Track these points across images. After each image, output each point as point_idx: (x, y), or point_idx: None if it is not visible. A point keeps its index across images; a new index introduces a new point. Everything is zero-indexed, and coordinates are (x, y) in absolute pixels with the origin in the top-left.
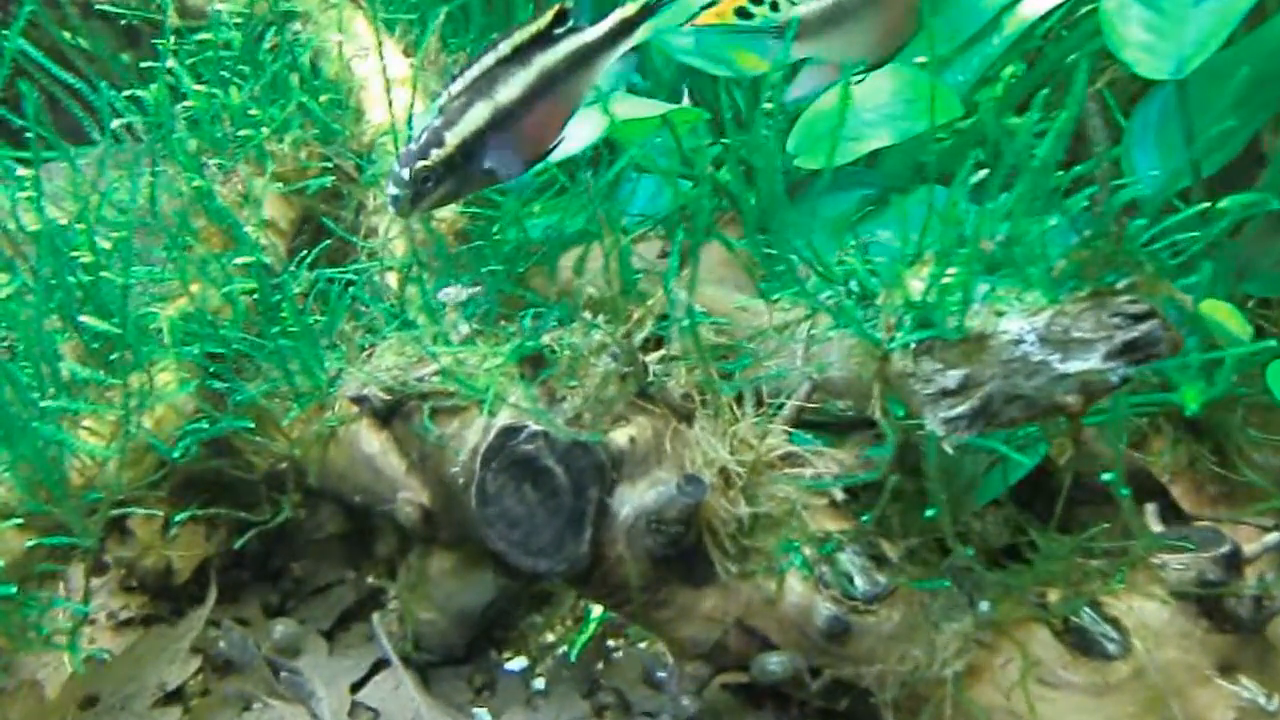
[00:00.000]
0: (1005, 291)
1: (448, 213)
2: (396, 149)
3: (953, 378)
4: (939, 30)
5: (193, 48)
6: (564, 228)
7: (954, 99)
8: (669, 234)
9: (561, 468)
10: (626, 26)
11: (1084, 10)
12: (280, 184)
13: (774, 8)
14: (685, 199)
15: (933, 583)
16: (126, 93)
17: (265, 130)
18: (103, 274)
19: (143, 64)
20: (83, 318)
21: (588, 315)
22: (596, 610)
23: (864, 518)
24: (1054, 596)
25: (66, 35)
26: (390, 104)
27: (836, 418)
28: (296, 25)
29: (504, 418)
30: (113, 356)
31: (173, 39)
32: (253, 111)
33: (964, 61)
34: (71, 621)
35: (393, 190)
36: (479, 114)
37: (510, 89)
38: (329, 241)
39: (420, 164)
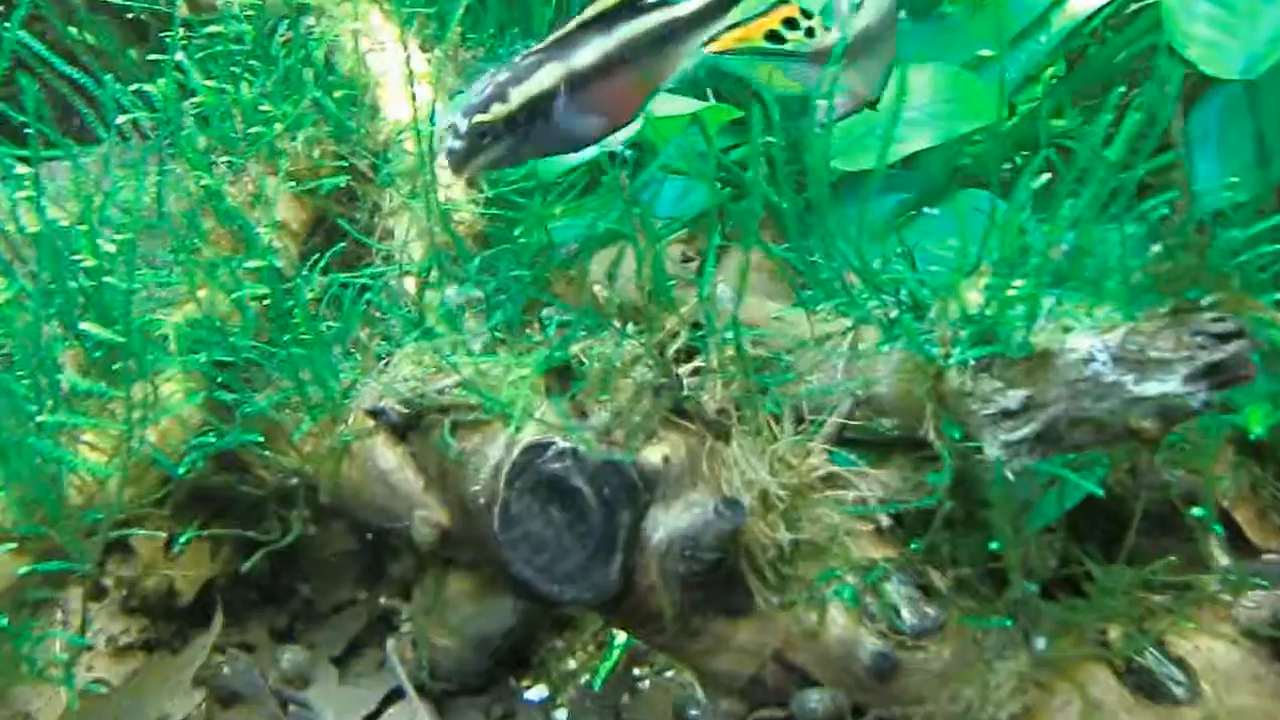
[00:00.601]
0: (1073, 306)
1: (466, 214)
2: (418, 145)
3: (1014, 398)
4: (982, 27)
5: (203, 41)
6: (591, 229)
7: (996, 96)
8: (701, 236)
9: (591, 488)
10: (720, 5)
11: (1134, 7)
12: (293, 183)
13: (809, 34)
14: (718, 200)
15: (991, 621)
16: (133, 87)
17: (278, 127)
18: (106, 279)
19: (151, 60)
20: (84, 325)
21: (618, 324)
22: (621, 636)
23: (913, 545)
24: (1115, 634)
25: (72, 30)
26: (415, 98)
27: (880, 435)
28: (310, 19)
29: (529, 434)
30: (116, 366)
31: (182, 32)
32: (265, 107)
33: (1009, 60)
34: (68, 653)
35: (450, 143)
36: (549, 74)
37: (587, 54)
38: (343, 244)
39: (479, 118)
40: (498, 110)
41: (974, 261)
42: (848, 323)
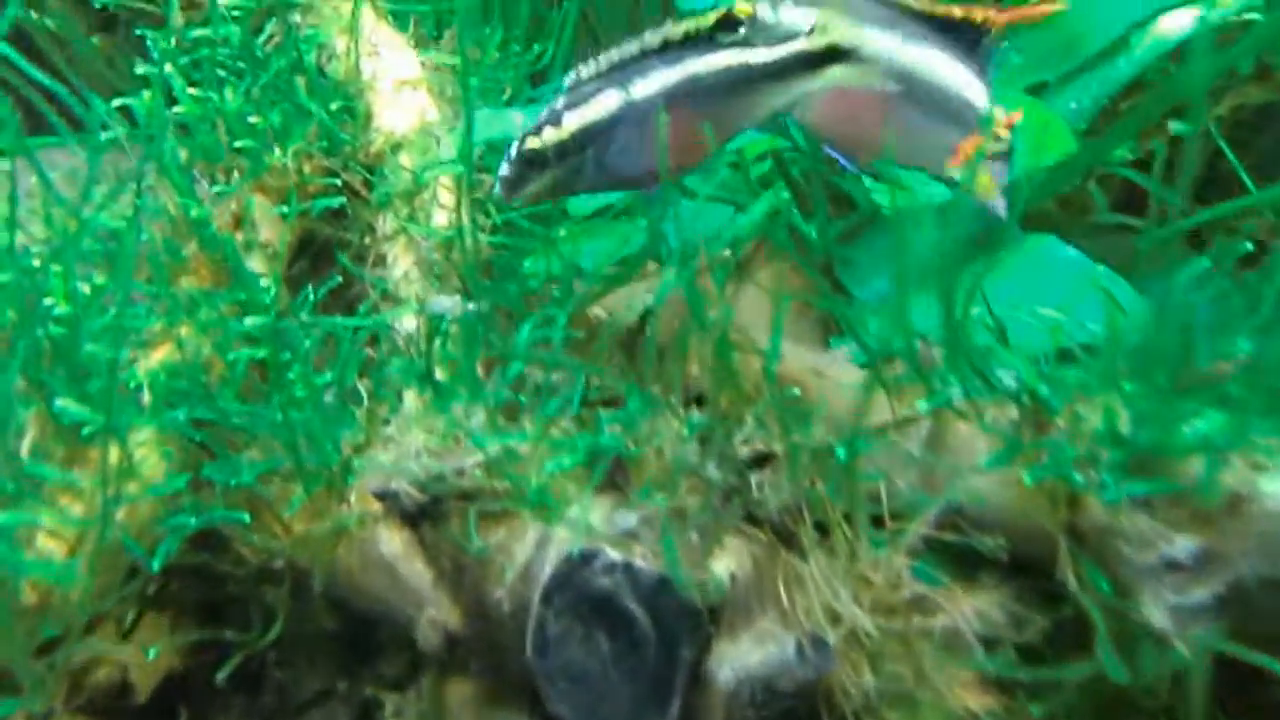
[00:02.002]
0: (1264, 440)
1: (469, 241)
2: (415, 159)
3: (1184, 548)
4: (1046, 45)
5: (186, 44)
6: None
7: (1066, 130)
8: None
9: (646, 613)
10: (805, 62)
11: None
12: (281, 205)
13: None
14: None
15: None
16: (116, 103)
17: (269, 145)
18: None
19: (119, 48)
20: (60, 402)
21: (671, 400)
22: None
23: (1033, 709)
24: None
25: (32, 15)
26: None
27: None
28: (296, 16)
29: (570, 538)
30: (85, 431)
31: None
32: (253, 119)
33: (1080, 86)
34: None
35: (504, 169)
36: (608, 101)
37: (649, 85)
38: (336, 275)
39: (531, 142)
40: (550, 136)
41: (1107, 361)
42: (920, 402)
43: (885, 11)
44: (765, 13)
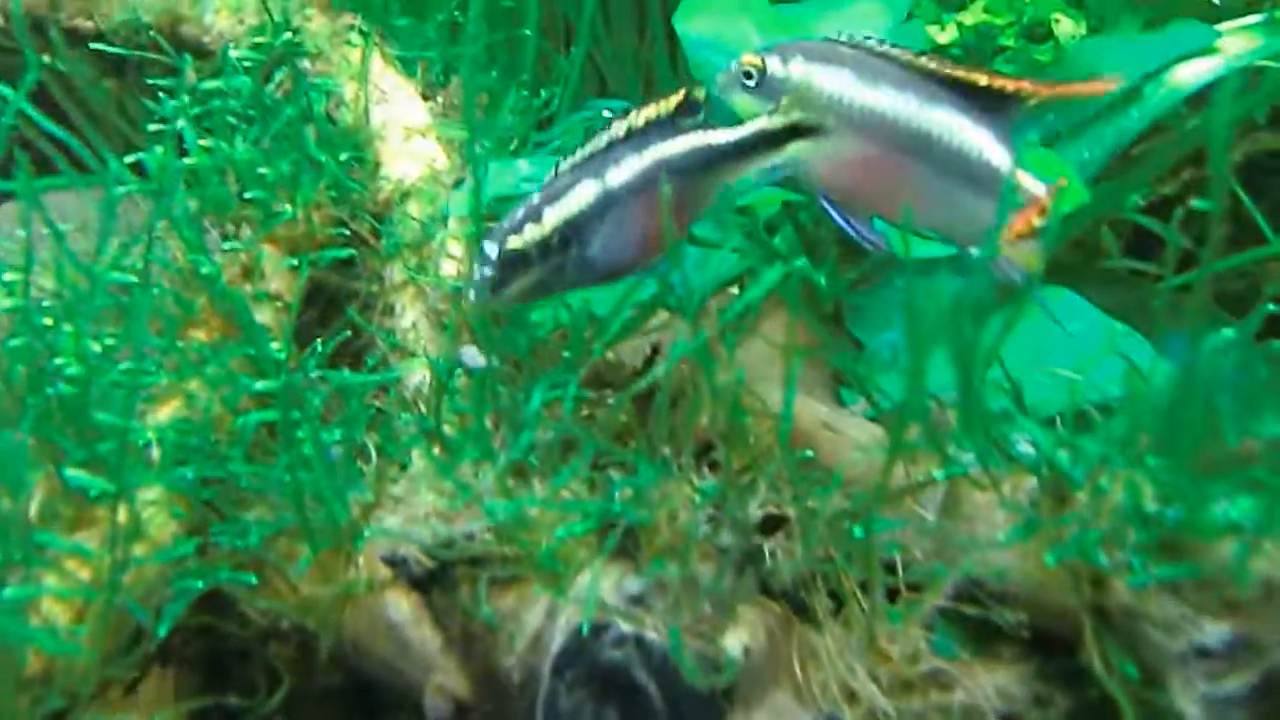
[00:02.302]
0: None
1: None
2: (424, 208)
3: (1215, 635)
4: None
5: (199, 95)
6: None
7: (1077, 181)
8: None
9: (658, 687)
10: (765, 142)
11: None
12: (290, 255)
13: None
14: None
15: None
16: (129, 159)
17: (279, 195)
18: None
19: (129, 92)
20: (70, 472)
21: (682, 462)
22: None
23: None
24: None
25: (45, 58)
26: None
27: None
28: (306, 63)
29: (580, 607)
30: (95, 494)
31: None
32: (262, 170)
33: (1093, 135)
34: None
35: (478, 271)
36: (585, 193)
37: (622, 173)
38: (345, 325)
39: (513, 242)
40: (531, 233)
41: (1129, 433)
42: (935, 472)
43: (903, 74)
44: (775, 67)
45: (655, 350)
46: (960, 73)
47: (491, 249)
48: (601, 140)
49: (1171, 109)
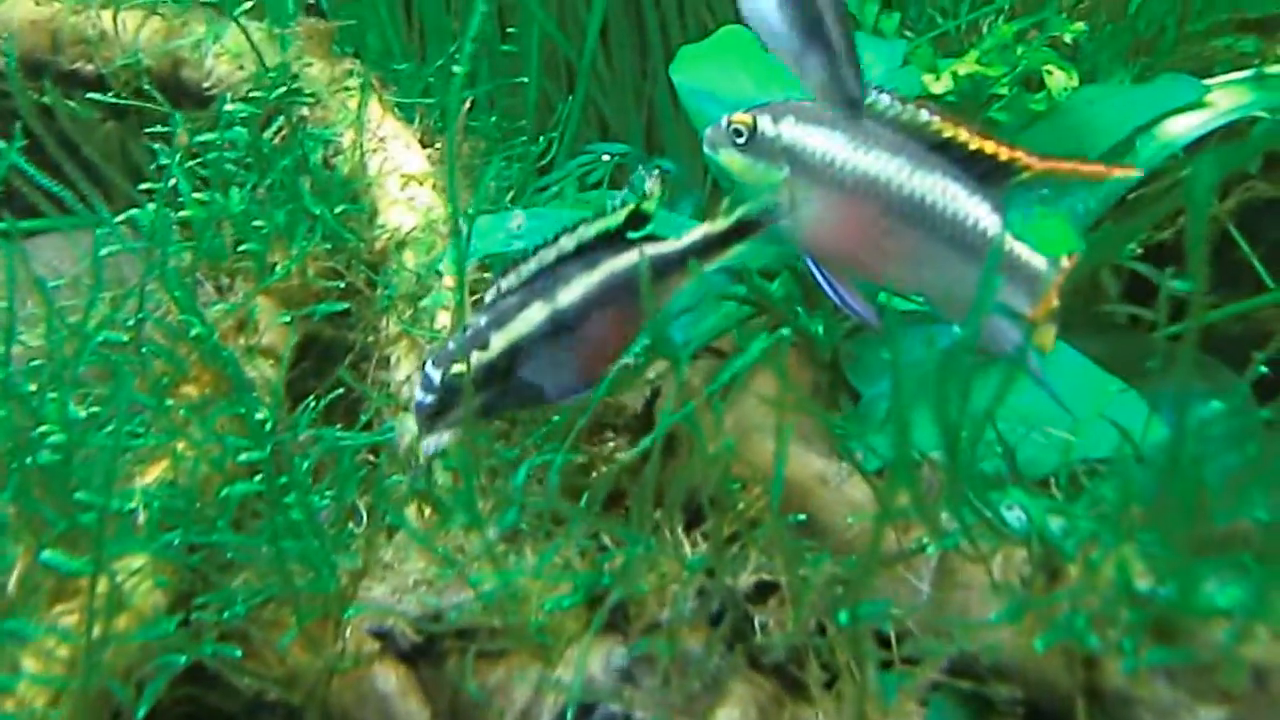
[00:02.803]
0: None
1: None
2: (419, 258)
3: None
4: (1046, 144)
5: (195, 149)
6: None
7: (1071, 231)
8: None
9: None
10: (712, 245)
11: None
12: (284, 308)
13: None
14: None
15: None
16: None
17: (273, 248)
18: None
19: (130, 132)
20: (46, 555)
21: (671, 532)
22: None
23: None
24: None
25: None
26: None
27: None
28: (304, 110)
29: (569, 683)
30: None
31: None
32: (257, 223)
33: (1089, 187)
34: None
35: (420, 396)
36: (534, 314)
37: (571, 291)
38: (337, 386)
39: (456, 369)
40: (477, 359)
41: (1120, 509)
42: (928, 546)
43: (897, 137)
44: (766, 126)
45: (656, 394)
46: (955, 134)
47: (435, 374)
48: (549, 255)
49: (1166, 160)
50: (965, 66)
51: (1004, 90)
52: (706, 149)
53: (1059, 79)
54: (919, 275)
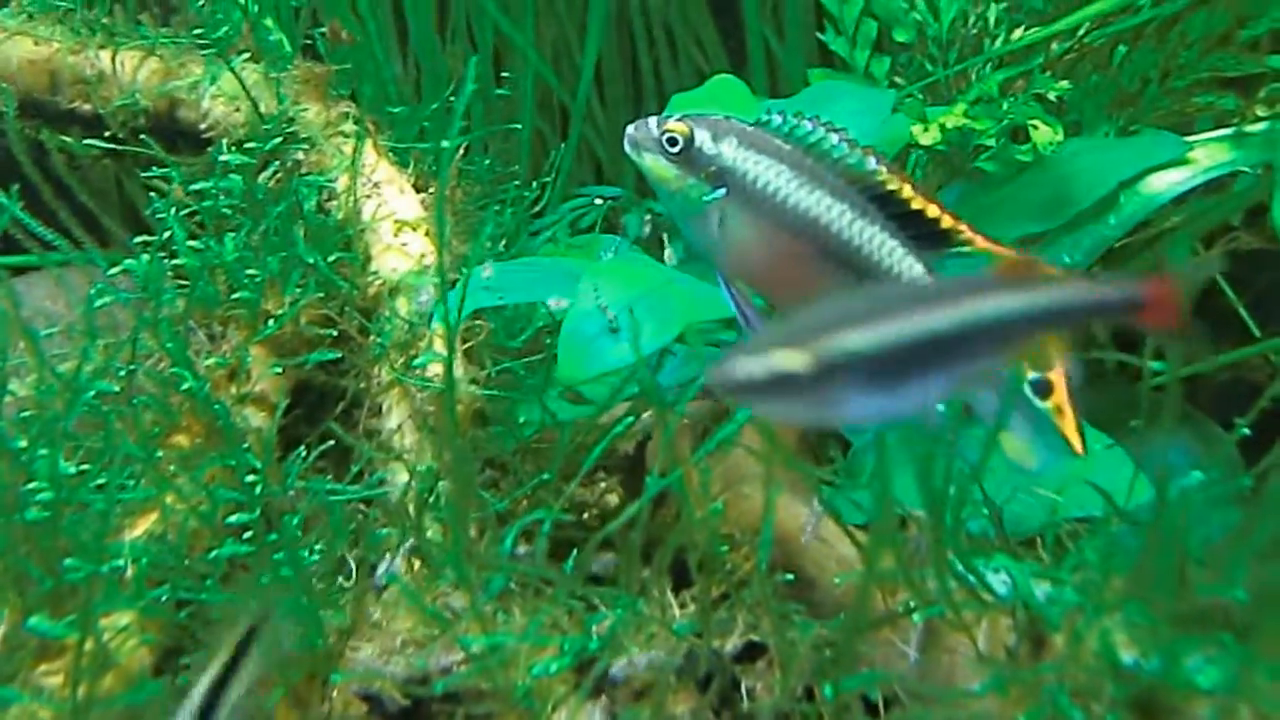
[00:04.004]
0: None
1: (464, 392)
2: (412, 305)
3: None
4: (1031, 195)
5: (189, 196)
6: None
7: None
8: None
9: None
10: None
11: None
12: (277, 356)
13: None
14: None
15: None
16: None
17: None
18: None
19: (127, 170)
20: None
21: (659, 594)
22: None
23: None
24: None
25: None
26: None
27: None
28: (299, 154)
29: None
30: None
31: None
32: (251, 271)
33: (1071, 241)
34: None
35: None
36: None
37: None
38: (328, 439)
39: None
40: None
41: (1102, 581)
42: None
43: (839, 181)
44: (704, 141)
45: (648, 436)
46: (900, 188)
47: None
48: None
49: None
50: (952, 119)
51: (991, 141)
52: (628, 146)
53: (1045, 133)
54: None
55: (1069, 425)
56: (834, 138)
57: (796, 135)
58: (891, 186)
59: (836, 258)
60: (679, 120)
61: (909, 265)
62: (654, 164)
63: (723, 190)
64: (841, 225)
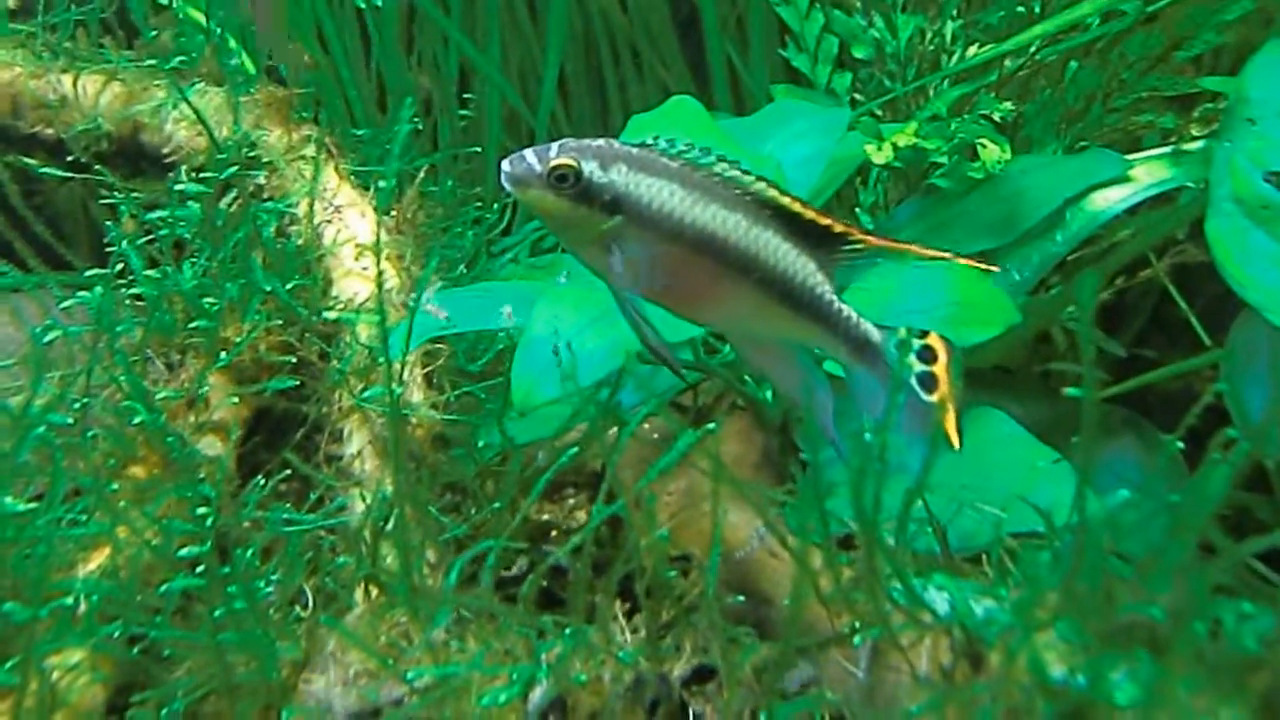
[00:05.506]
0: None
1: (423, 416)
2: (372, 330)
3: None
4: (984, 212)
5: (148, 221)
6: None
7: (1009, 302)
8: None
9: None
10: None
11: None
12: (236, 383)
13: None
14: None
15: None
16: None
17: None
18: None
19: (92, 192)
20: None
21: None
22: None
23: None
24: None
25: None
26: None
27: None
28: (261, 177)
29: None
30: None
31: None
32: (209, 300)
33: (1020, 257)
34: None
35: None
36: None
37: None
38: (285, 469)
39: None
40: None
41: (1032, 600)
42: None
43: (730, 193)
44: (594, 171)
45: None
46: (788, 202)
47: None
48: None
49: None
50: (904, 138)
51: (943, 159)
52: (509, 185)
53: (993, 152)
54: (747, 326)
55: (950, 420)
56: (713, 155)
57: (681, 155)
58: (777, 196)
59: (737, 266)
60: (562, 154)
61: (806, 268)
62: (541, 200)
63: (618, 217)
64: (739, 235)
